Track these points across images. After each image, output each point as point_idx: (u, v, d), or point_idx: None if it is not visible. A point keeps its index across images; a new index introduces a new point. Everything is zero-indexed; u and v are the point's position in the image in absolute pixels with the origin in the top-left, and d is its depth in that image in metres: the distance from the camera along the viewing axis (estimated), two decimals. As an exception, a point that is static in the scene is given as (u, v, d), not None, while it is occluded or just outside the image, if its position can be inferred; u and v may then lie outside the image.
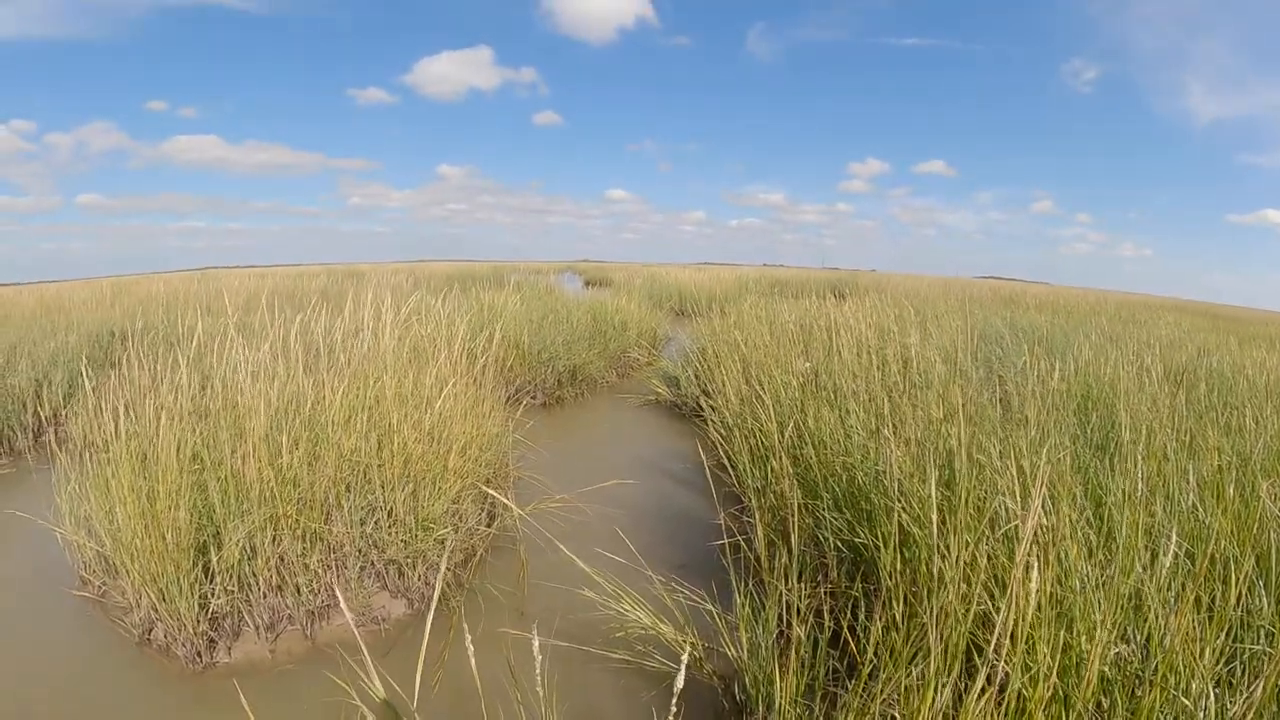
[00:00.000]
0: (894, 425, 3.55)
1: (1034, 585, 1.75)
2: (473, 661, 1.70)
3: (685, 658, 1.40)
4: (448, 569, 3.91)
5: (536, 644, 1.64)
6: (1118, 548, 2.44)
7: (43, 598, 3.83)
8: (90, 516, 3.63)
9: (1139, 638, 2.18)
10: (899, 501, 2.81)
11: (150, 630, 3.44)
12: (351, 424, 3.99)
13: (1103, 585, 2.23)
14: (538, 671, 1.69)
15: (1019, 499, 2.39)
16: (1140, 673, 2.08)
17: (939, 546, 2.03)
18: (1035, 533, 2.26)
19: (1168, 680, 1.89)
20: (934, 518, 1.93)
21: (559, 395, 8.62)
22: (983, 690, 1.69)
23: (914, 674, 2.07)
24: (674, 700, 1.44)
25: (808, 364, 5.38)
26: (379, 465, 3.95)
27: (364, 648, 1.93)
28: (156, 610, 3.33)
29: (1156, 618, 2.13)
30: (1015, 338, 7.70)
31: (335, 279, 17.12)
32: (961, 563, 2.15)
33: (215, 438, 3.67)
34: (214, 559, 3.38)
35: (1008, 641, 1.76)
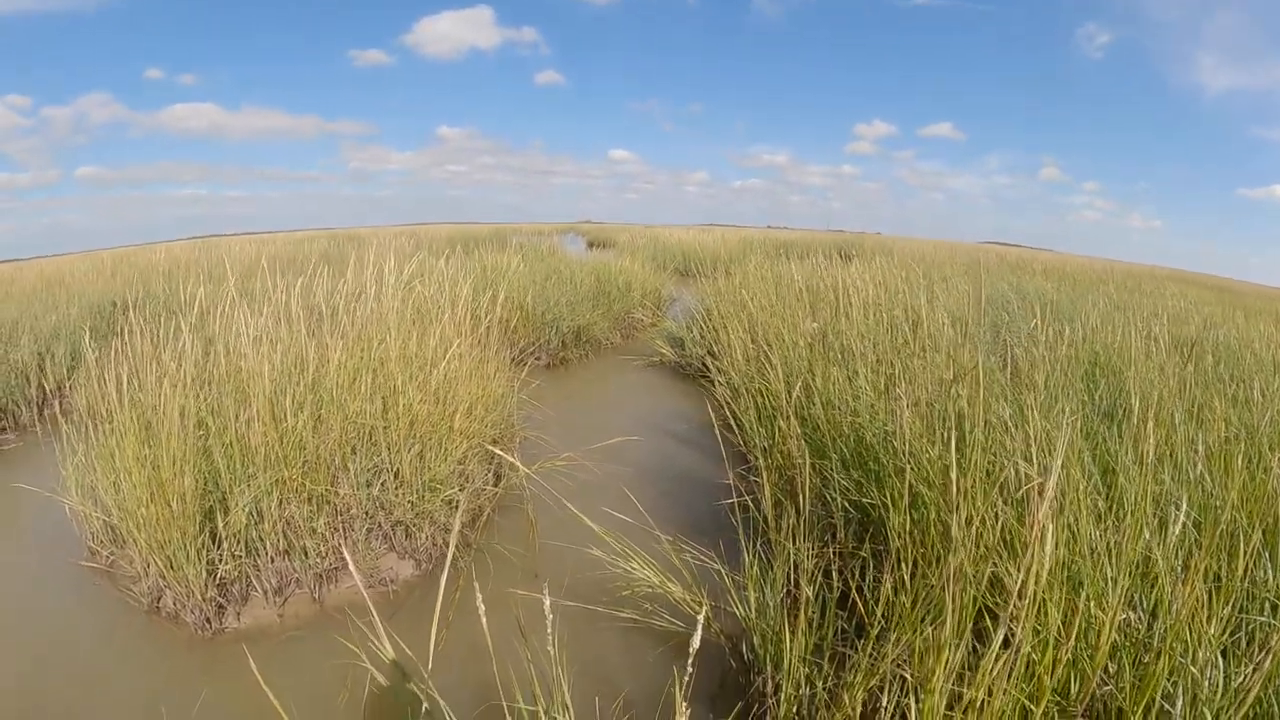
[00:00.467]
0: (906, 384, 3.52)
1: (1049, 548, 1.73)
2: (484, 621, 1.68)
3: (701, 618, 1.38)
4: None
5: (548, 604, 1.63)
6: (1126, 514, 2.42)
7: (52, 569, 3.84)
8: (96, 487, 3.63)
9: (1146, 605, 2.17)
10: (909, 462, 2.79)
11: (159, 598, 3.45)
12: (356, 386, 3.97)
13: (1112, 551, 2.22)
14: (549, 631, 1.67)
15: (1035, 462, 2.36)
16: (1147, 640, 2.08)
17: (956, 505, 2.01)
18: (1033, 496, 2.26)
19: (1174, 648, 1.88)
20: (953, 478, 1.90)
21: (563, 357, 8.58)
22: (999, 653, 1.68)
23: (925, 635, 2.06)
24: (690, 661, 1.42)
25: (815, 324, 5.33)
26: (384, 427, 3.94)
27: (373, 609, 1.92)
28: (164, 578, 3.33)
29: (1165, 585, 2.11)
30: (1022, 303, 7.64)
31: (336, 243, 17.01)
32: (973, 525, 2.13)
33: (219, 404, 3.65)
34: (220, 525, 3.38)
35: (1021, 604, 1.74)
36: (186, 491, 3.29)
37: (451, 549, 1.70)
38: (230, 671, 3.05)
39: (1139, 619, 2.11)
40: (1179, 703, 1.62)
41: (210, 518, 3.40)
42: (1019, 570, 2.03)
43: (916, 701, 1.83)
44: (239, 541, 3.42)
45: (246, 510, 3.40)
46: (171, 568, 3.28)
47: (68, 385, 6.24)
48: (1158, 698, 1.79)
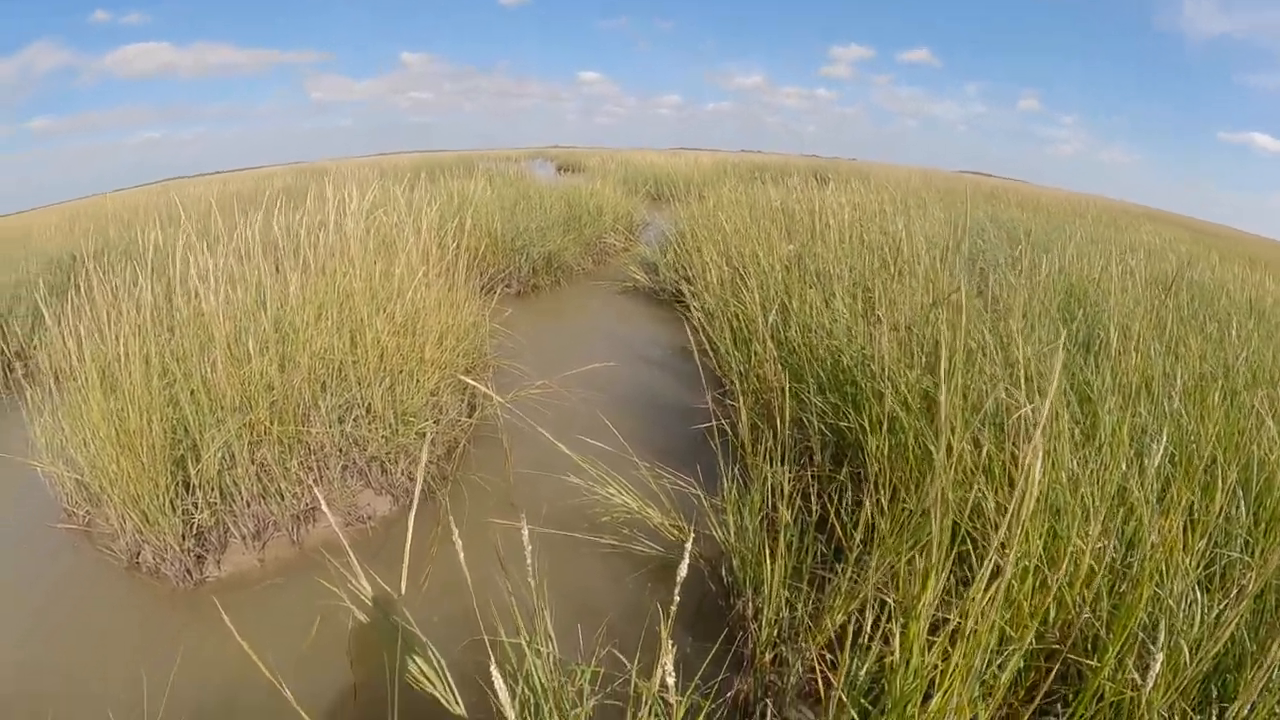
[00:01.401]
0: (885, 307, 3.50)
1: (1036, 476, 1.72)
2: (461, 555, 1.65)
3: (689, 544, 1.35)
4: (430, 462, 3.88)
5: (526, 533, 1.61)
6: (1103, 444, 2.43)
7: (28, 535, 3.75)
8: (66, 446, 3.51)
9: (1123, 537, 2.19)
10: (888, 386, 2.77)
11: (138, 554, 3.38)
12: (321, 322, 3.86)
13: (1091, 480, 2.23)
14: (529, 562, 1.65)
15: (1023, 389, 2.35)
16: (1125, 569, 2.10)
17: (940, 430, 2.00)
18: (1025, 423, 2.26)
19: (1151, 579, 1.90)
20: (942, 401, 1.87)
21: (534, 284, 8.44)
22: (990, 579, 1.68)
23: (908, 560, 2.07)
24: (677, 589, 1.40)
25: (792, 247, 5.26)
26: (353, 362, 3.86)
27: (349, 549, 1.88)
28: (141, 532, 3.27)
29: (1144, 517, 2.13)
30: (998, 232, 7.63)
31: (299, 177, 16.43)
32: (955, 450, 2.12)
33: (183, 349, 3.53)
34: (193, 473, 3.31)
35: (1012, 532, 1.75)
36: (155, 441, 3.21)
37: (420, 480, 1.65)
38: (213, 621, 3.00)
39: (1116, 549, 2.13)
40: (1160, 634, 1.64)
41: (182, 466, 3.33)
42: (995, 496, 2.04)
43: (900, 627, 1.84)
44: (213, 489, 3.36)
45: (218, 456, 3.34)
46: (147, 521, 3.22)
47: (31, 346, 6.00)
48: (1135, 628, 1.81)
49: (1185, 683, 1.76)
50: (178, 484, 3.29)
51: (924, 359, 3.10)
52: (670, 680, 1.20)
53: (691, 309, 5.32)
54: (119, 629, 3.09)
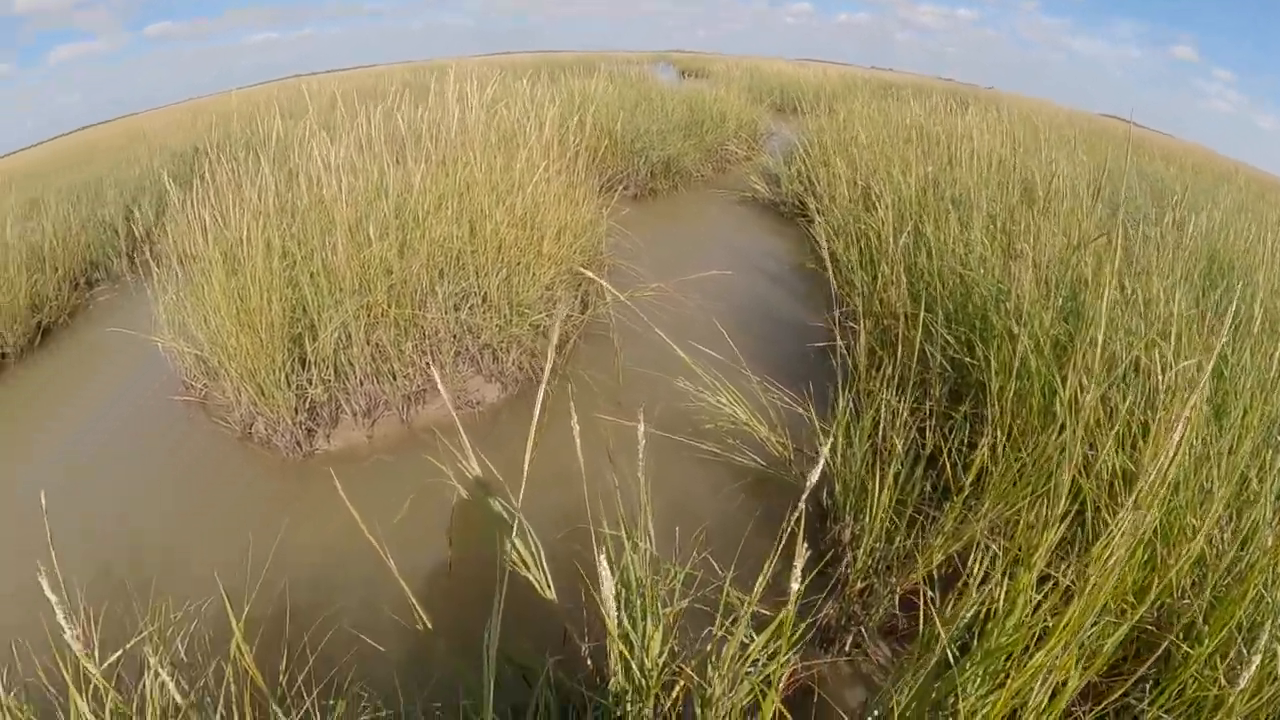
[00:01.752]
0: (1029, 243, 3.26)
1: (1177, 438, 1.58)
2: (577, 442, 1.67)
3: (823, 456, 1.29)
4: (539, 354, 3.93)
5: (641, 428, 1.58)
6: (1233, 427, 2.21)
7: (149, 406, 4.02)
8: (187, 323, 3.71)
9: (1238, 527, 2.00)
10: (1024, 327, 2.60)
11: (251, 425, 3.60)
12: (441, 211, 3.89)
13: (1214, 460, 2.05)
14: (640, 458, 1.64)
15: (1170, 350, 2.16)
16: (1235, 562, 1.93)
17: (1080, 383, 1.86)
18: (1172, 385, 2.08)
19: (1261, 578, 1.74)
20: (1087, 344, 1.73)
21: (652, 188, 8.26)
22: (1112, 540, 1.58)
23: (1022, 509, 1.98)
24: (803, 498, 1.34)
25: (930, 167, 4.96)
26: (471, 251, 3.90)
27: (460, 428, 1.92)
28: (256, 405, 3.46)
29: (1266, 509, 1.96)
30: (1143, 185, 6.97)
31: (418, 74, 16.53)
32: (1088, 404, 1.98)
33: (304, 233, 3.64)
34: (309, 350, 3.47)
35: (1137, 494, 1.62)
36: (274, 319, 3.36)
37: (550, 358, 1.66)
38: (320, 491, 3.21)
39: (1229, 539, 1.96)
40: (1263, 637, 1.49)
41: (299, 344, 3.49)
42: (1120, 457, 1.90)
43: (1007, 576, 1.76)
44: (328, 366, 3.51)
45: (334, 335, 3.48)
46: (262, 394, 3.41)
47: (155, 232, 6.30)
48: (1234, 625, 1.68)
49: (1274, 694, 1.62)
50: (294, 360, 3.46)
51: (1060, 302, 2.89)
52: (796, 585, 1.17)
53: (816, 223, 5.12)
54: (229, 495, 3.32)
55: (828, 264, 3.17)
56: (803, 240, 6.03)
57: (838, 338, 3.24)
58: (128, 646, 1.72)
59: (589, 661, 1.95)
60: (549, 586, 2.02)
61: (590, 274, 2.26)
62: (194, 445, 3.69)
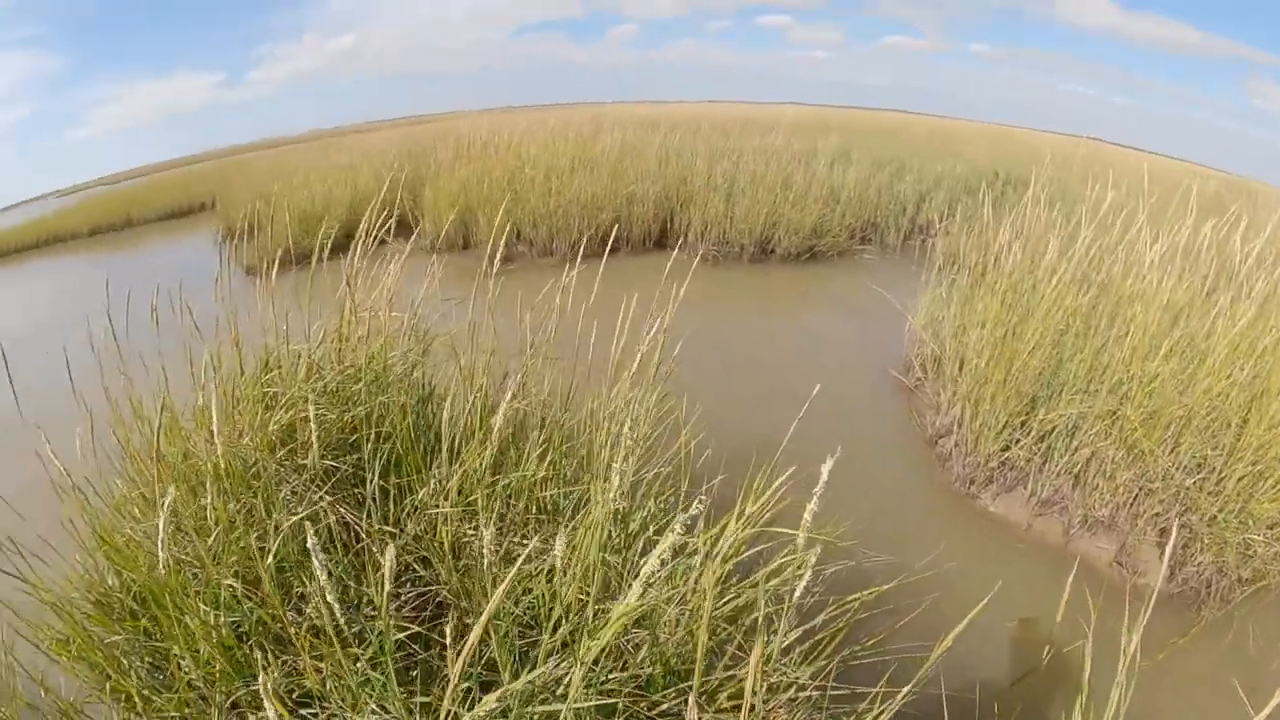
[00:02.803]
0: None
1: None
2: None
3: None
4: None
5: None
6: None
7: (868, 361, 4.60)
8: (942, 319, 3.98)
9: None
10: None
11: (940, 438, 3.72)
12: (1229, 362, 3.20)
13: None
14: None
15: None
16: None
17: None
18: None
19: None
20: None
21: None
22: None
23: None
24: None
25: None
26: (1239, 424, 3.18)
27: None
28: (962, 426, 3.51)
29: None
30: None
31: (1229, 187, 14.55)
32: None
33: (1091, 308, 3.45)
34: (1038, 417, 3.32)
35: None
36: (1028, 369, 3.33)
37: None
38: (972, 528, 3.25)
39: None
40: None
41: (1032, 405, 3.39)
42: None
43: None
44: (1042, 441, 3.34)
45: (1067, 424, 3.26)
46: (984, 429, 3.41)
47: (934, 227, 6.90)
48: None
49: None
50: (1021, 415, 3.41)
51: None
52: None
53: None
54: (887, 466, 3.61)
55: None
56: None
57: None
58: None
59: None
60: None
61: None
62: (884, 411, 4.11)
